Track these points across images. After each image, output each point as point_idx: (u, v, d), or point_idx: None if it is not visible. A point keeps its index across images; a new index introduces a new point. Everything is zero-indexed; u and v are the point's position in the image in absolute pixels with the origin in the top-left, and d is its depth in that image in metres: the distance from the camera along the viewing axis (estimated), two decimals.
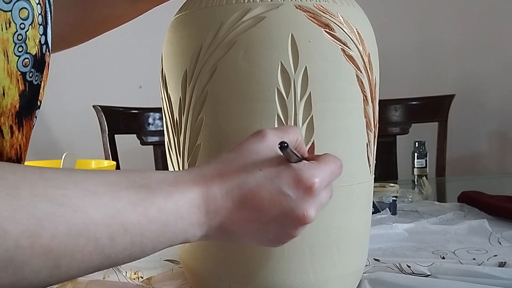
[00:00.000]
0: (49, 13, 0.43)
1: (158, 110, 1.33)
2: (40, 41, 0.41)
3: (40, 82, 0.42)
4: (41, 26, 0.40)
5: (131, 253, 0.30)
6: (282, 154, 0.34)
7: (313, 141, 0.43)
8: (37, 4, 0.39)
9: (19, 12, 0.37)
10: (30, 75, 0.40)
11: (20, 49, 0.38)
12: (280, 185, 0.33)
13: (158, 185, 0.31)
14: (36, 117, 0.44)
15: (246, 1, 0.42)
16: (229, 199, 0.33)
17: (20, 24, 0.38)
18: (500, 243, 0.66)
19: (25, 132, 0.41)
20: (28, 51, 0.39)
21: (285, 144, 0.32)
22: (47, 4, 0.42)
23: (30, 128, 0.42)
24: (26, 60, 0.39)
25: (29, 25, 0.38)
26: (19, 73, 0.39)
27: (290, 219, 0.34)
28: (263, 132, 0.36)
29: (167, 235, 0.32)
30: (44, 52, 0.42)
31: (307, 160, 0.36)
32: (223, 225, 0.34)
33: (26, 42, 0.38)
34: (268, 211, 0.34)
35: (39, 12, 0.40)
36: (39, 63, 0.41)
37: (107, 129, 1.29)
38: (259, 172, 0.34)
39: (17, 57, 0.38)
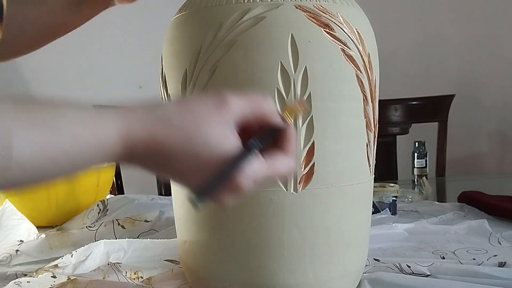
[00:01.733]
0: None
1: None
2: None
3: None
4: None
5: (31, 184, 0.30)
6: (231, 136, 0.32)
7: (313, 141, 0.43)
8: None
9: None
10: None
11: None
12: (208, 175, 0.31)
13: (67, 127, 0.30)
14: None
15: (246, 1, 0.42)
16: (152, 160, 0.32)
17: None
18: (500, 243, 0.66)
19: None
20: None
21: (197, 205, 0.30)
22: None
23: None
24: None
25: None
26: None
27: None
28: (223, 102, 0.32)
29: (76, 171, 0.31)
30: None
31: (276, 132, 0.34)
32: (139, 166, 0.33)
33: None
34: (188, 180, 0.32)
35: None
36: None
37: None
38: (194, 154, 0.31)
39: None
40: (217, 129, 0.31)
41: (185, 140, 0.31)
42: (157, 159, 0.32)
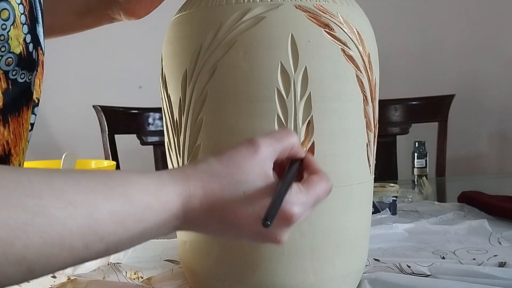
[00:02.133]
0: (39, 12, 0.43)
1: (158, 110, 1.33)
2: (25, 40, 0.41)
3: (29, 79, 0.43)
4: (25, 25, 0.41)
5: (104, 255, 0.31)
6: (270, 173, 0.35)
7: (313, 141, 0.43)
8: (19, 4, 0.40)
9: None
10: (14, 73, 0.40)
11: (3, 49, 0.39)
12: (259, 211, 0.33)
13: (138, 195, 0.31)
14: (35, 115, 0.45)
15: (246, 1, 0.42)
16: (207, 214, 0.34)
17: (2, 25, 0.38)
18: (500, 243, 0.66)
19: (13, 128, 0.41)
20: (11, 50, 0.39)
21: (268, 223, 0.31)
22: (35, 3, 0.43)
23: (19, 124, 0.42)
24: (9, 59, 0.39)
25: (11, 25, 0.39)
26: (1, 71, 0.39)
27: (262, 239, 0.35)
28: (256, 145, 0.35)
29: (142, 239, 0.32)
30: (31, 50, 0.42)
31: (303, 162, 0.38)
32: (199, 230, 0.36)
33: (9, 42, 0.39)
34: (243, 230, 0.35)
35: (22, 12, 0.40)
36: (26, 62, 0.41)
37: (107, 129, 1.29)
38: (242, 194, 0.34)
39: (0, 57, 0.39)
40: (256, 169, 0.35)
41: (231, 185, 0.34)
42: (212, 213, 0.34)
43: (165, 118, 0.50)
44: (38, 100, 0.45)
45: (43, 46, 0.44)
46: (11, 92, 0.40)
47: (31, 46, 0.42)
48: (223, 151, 0.36)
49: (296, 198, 0.34)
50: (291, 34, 0.42)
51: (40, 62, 0.44)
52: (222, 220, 0.34)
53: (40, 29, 0.44)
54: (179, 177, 0.34)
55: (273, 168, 0.36)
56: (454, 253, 0.62)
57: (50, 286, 0.53)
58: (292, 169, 0.37)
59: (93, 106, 1.30)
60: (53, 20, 0.59)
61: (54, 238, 0.27)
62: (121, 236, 0.30)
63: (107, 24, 0.63)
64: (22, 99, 0.42)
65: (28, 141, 0.45)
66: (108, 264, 0.57)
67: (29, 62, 0.42)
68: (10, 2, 0.39)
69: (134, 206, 0.30)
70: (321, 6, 0.43)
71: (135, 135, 1.36)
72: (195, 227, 0.35)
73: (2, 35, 0.38)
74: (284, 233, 0.35)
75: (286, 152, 0.37)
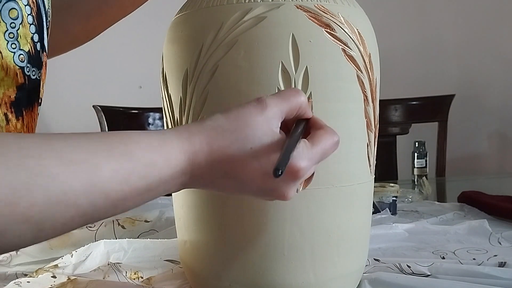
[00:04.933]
0: (44, 15, 0.46)
1: (158, 110, 1.33)
2: (32, 39, 0.44)
3: (39, 77, 0.45)
4: (32, 26, 0.44)
5: (114, 213, 0.31)
6: (277, 131, 0.35)
7: None
8: (26, 5, 0.42)
9: (8, 12, 0.41)
10: (27, 70, 0.43)
11: (13, 46, 0.41)
12: (266, 166, 0.33)
13: (141, 152, 0.31)
14: (38, 113, 0.47)
15: (247, 1, 0.42)
16: (214, 169, 0.34)
17: (11, 23, 0.41)
18: (500, 243, 0.66)
19: (27, 122, 0.44)
20: (21, 48, 0.42)
21: (279, 173, 0.31)
22: (41, 6, 0.45)
23: (32, 118, 0.44)
24: (22, 56, 0.42)
25: (20, 24, 0.42)
26: (17, 67, 0.42)
27: (268, 195, 0.35)
28: (264, 103, 0.35)
29: (150, 196, 0.32)
30: (38, 49, 0.44)
31: (308, 122, 0.38)
32: (206, 186, 0.36)
33: (18, 39, 0.42)
34: (249, 186, 0.35)
35: (29, 13, 0.43)
36: (35, 60, 0.44)
37: (107, 129, 1.29)
38: (249, 150, 0.34)
39: (12, 53, 0.41)
40: (263, 126, 0.34)
41: (237, 140, 0.34)
42: (218, 168, 0.34)
43: (166, 118, 0.50)
44: (41, 100, 0.47)
45: (46, 49, 0.47)
46: (26, 87, 0.43)
47: (38, 45, 0.44)
48: (230, 108, 0.35)
49: (303, 153, 0.34)
50: (292, 34, 0.42)
51: (43, 62, 0.46)
52: (228, 176, 0.34)
53: (45, 32, 0.46)
54: (183, 133, 0.34)
55: (280, 127, 0.36)
56: (454, 253, 0.62)
57: (50, 286, 0.53)
58: (299, 127, 0.37)
59: (93, 106, 1.30)
60: (62, 34, 0.61)
61: (58, 196, 0.27)
62: (127, 194, 0.30)
63: (111, 25, 0.64)
64: (34, 95, 0.45)
65: None
66: (108, 264, 0.57)
67: (38, 60, 0.44)
68: (17, 2, 0.41)
69: (136, 163, 0.31)
70: (322, 6, 0.43)
71: None
72: (200, 183, 0.35)
73: (12, 33, 0.41)
74: (290, 189, 0.35)
75: (294, 112, 0.37)
